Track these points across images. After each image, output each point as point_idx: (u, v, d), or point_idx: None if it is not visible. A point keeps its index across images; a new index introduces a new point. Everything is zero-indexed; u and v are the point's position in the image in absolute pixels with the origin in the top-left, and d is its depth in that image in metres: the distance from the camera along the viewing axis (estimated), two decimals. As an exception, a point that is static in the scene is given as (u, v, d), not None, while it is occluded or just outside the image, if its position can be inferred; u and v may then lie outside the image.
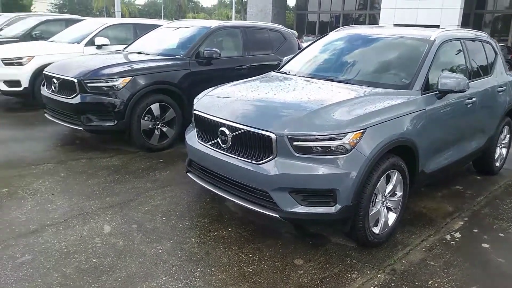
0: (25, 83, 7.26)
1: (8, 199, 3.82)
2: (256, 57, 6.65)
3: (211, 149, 3.33)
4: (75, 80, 5.04)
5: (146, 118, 5.25)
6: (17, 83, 7.27)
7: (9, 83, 7.29)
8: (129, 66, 5.25)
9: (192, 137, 3.66)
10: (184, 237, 3.30)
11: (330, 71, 4.06)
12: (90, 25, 8.59)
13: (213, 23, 6.27)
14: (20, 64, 7.25)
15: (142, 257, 2.98)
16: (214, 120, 3.29)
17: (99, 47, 7.93)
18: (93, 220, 3.50)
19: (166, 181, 4.44)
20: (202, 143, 3.47)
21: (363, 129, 2.91)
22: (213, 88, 3.95)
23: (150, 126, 5.33)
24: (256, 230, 3.47)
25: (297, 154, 2.88)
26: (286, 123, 2.94)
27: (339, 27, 5.07)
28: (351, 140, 2.86)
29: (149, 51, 6.05)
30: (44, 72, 5.67)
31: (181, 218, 3.62)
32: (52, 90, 5.41)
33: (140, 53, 6.01)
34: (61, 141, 5.76)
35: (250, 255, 3.09)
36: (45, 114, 5.80)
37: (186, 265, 2.92)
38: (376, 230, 3.21)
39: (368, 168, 2.91)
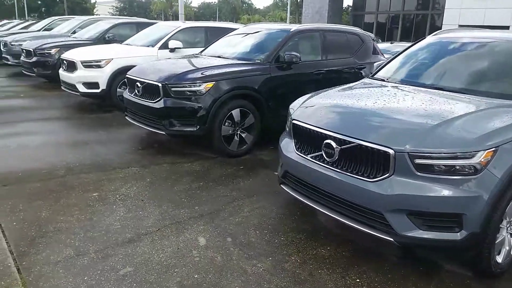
0: (103, 85, 7.45)
1: (100, 204, 3.83)
2: (334, 61, 6.39)
3: (313, 162, 3.13)
4: (160, 85, 5.02)
5: (226, 123, 5.15)
6: (95, 85, 7.47)
7: (88, 85, 7.51)
8: (211, 71, 5.17)
9: (288, 147, 3.47)
10: (283, 254, 3.12)
11: (437, 79, 3.72)
12: (163, 28, 8.70)
13: (292, 27, 6.08)
14: (99, 66, 7.45)
15: (244, 275, 2.83)
16: (318, 132, 3.08)
17: (173, 50, 7.99)
18: (186, 230, 3.41)
19: (251, 190, 4.30)
20: (301, 155, 3.27)
21: (495, 147, 2.59)
22: (309, 96, 3.74)
23: (230, 131, 5.23)
24: (357, 250, 3.22)
25: (418, 173, 2.61)
26: (407, 138, 2.67)
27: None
28: (482, 160, 2.54)
29: (227, 55, 5.96)
30: (127, 75, 5.73)
31: (275, 232, 3.45)
32: (135, 93, 5.44)
33: (219, 57, 5.93)
34: (141, 144, 5.80)
35: (358, 280, 2.85)
36: (126, 117, 5.86)
37: (292, 287, 2.73)
38: (499, 259, 2.86)
39: (500, 191, 2.58)
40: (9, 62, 12.45)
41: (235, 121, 5.23)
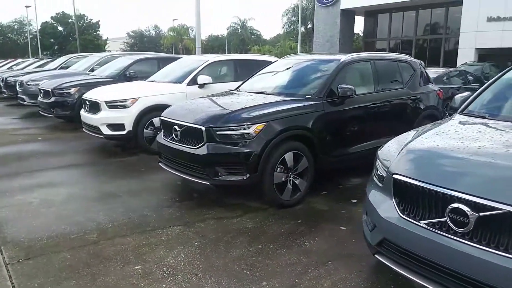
0: (128, 127, 6.86)
1: (146, 282, 3.09)
2: (388, 93, 5.74)
3: (431, 231, 2.39)
4: (203, 128, 4.37)
5: (278, 169, 4.46)
6: (121, 126, 6.88)
7: (112, 126, 6.92)
8: (260, 110, 4.52)
9: (385, 207, 2.74)
10: None
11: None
12: (190, 63, 8.18)
13: (340, 56, 5.45)
14: (124, 106, 6.88)
15: None
16: (439, 192, 2.36)
17: (202, 86, 7.44)
18: (261, 320, 2.65)
19: (322, 254, 3.55)
20: (410, 220, 2.53)
21: None
22: (402, 140, 3.04)
23: (283, 178, 4.53)
24: None
25: None
26: None
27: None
28: None
29: (270, 91, 5.34)
30: (162, 118, 5.11)
31: (374, 319, 2.67)
32: (172, 138, 4.79)
33: (261, 93, 5.30)
34: (177, 194, 5.11)
35: None
36: (160, 163, 5.20)
37: None
38: None
39: None
40: (25, 103, 12.05)
41: (288, 166, 4.54)
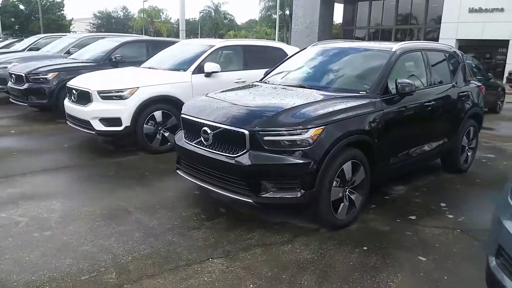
0: (126, 122, 5.81)
1: None
2: (439, 88, 5.00)
3: None
4: (246, 132, 3.45)
5: (335, 183, 3.62)
6: (117, 121, 5.82)
7: (107, 121, 5.85)
8: (314, 110, 3.63)
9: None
10: None
11: None
12: (193, 48, 7.15)
13: (392, 45, 4.62)
14: (121, 98, 5.81)
15: None
16: None
17: (209, 74, 6.46)
18: None
19: (418, 300, 2.76)
20: None
21: None
22: None
23: (340, 194, 3.70)
24: None
25: None
26: None
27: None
28: None
29: (312, 84, 4.45)
30: (184, 116, 4.13)
31: None
32: (200, 141, 3.84)
33: (302, 87, 4.41)
34: (201, 209, 4.16)
35: None
36: (178, 171, 4.26)
37: None
38: None
39: None
40: (-9, 88, 10.57)
41: (346, 178, 3.71)
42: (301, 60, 5.13)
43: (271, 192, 3.47)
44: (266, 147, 3.42)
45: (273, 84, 4.73)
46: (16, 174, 5.03)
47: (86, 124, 5.97)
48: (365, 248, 3.47)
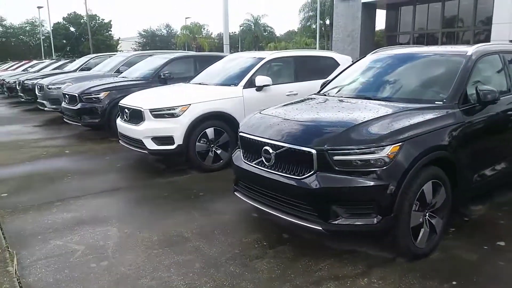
0: (179, 140, 5.65)
1: None
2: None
3: None
4: (313, 151, 3.13)
5: (414, 207, 3.21)
6: (169, 139, 5.68)
7: (159, 140, 5.73)
8: (388, 125, 3.25)
9: None
10: None
11: None
12: (242, 61, 6.95)
13: (466, 49, 4.15)
14: (173, 115, 5.67)
15: None
16: None
17: (260, 88, 6.22)
18: None
19: None
20: None
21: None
22: None
23: (420, 219, 3.29)
24: None
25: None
26: None
27: None
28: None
29: (380, 95, 4.08)
30: (243, 135, 3.85)
31: None
32: (260, 162, 3.55)
33: (368, 99, 4.03)
34: (262, 235, 3.85)
35: None
36: (236, 193, 4.00)
37: None
38: None
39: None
40: (46, 108, 10.94)
41: (427, 201, 3.29)
42: (361, 69, 4.76)
43: (342, 219, 3.11)
44: (336, 168, 3.08)
45: (333, 96, 4.39)
46: (70, 197, 4.97)
47: (138, 143, 5.87)
48: (454, 283, 3.03)
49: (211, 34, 73.17)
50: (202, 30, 64.04)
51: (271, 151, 3.43)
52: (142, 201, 4.83)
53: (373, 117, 3.38)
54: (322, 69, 7.18)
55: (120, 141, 6.50)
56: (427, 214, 3.35)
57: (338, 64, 7.36)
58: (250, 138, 3.70)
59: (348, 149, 3.07)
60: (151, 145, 5.72)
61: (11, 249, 3.61)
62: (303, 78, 6.88)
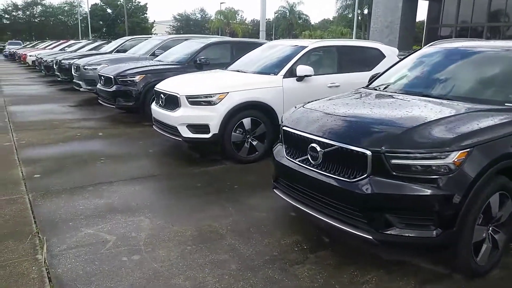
0: (214, 129, 5.43)
1: None
2: None
3: None
4: (368, 153, 2.83)
5: (478, 221, 2.86)
6: (205, 128, 5.47)
7: (194, 128, 5.52)
8: (455, 128, 2.90)
9: None
10: None
11: None
12: (282, 49, 6.63)
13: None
14: (210, 103, 5.44)
15: None
16: None
17: (301, 78, 5.90)
18: None
19: None
20: None
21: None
22: None
23: (484, 234, 2.94)
24: None
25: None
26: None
27: None
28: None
29: (440, 93, 3.69)
30: (287, 129, 3.56)
31: None
32: (306, 160, 3.28)
33: (427, 96, 3.66)
34: (301, 236, 3.59)
35: None
36: (276, 190, 3.74)
37: None
38: None
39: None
40: (81, 89, 10.97)
41: (492, 214, 2.94)
42: (417, 64, 4.37)
43: (396, 229, 2.80)
44: (393, 173, 2.77)
45: (386, 91, 4.03)
46: (103, 182, 4.85)
47: (173, 130, 5.69)
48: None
49: (245, 20, 72.70)
50: (236, 15, 63.66)
51: (318, 149, 3.14)
52: (175, 191, 4.65)
53: (436, 117, 3.03)
54: (366, 60, 6.79)
55: (154, 126, 6.35)
56: (490, 228, 3.00)
57: (384, 56, 6.94)
58: (295, 134, 3.42)
59: (409, 153, 2.75)
60: (186, 133, 5.53)
61: (41, 235, 3.49)
62: (346, 69, 6.52)
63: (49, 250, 3.26)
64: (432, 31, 34.74)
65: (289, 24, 63.12)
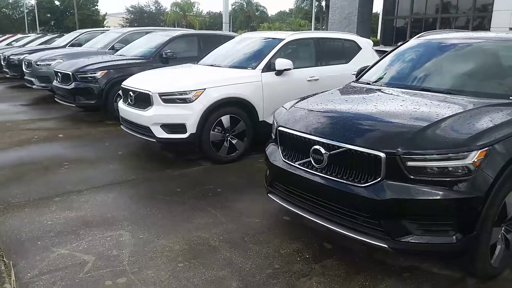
0: (191, 128, 5.05)
1: None
2: None
3: None
4: (382, 155, 2.58)
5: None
6: (181, 127, 5.07)
7: (169, 128, 5.11)
8: (470, 125, 2.72)
9: None
10: None
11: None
12: (258, 42, 6.31)
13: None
14: (185, 101, 5.05)
15: None
16: None
17: (280, 72, 5.62)
18: None
19: None
20: None
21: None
22: None
23: (499, 235, 2.79)
24: None
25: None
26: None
27: None
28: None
29: (436, 87, 3.51)
30: (284, 130, 3.24)
31: None
32: (309, 163, 2.99)
33: (426, 90, 3.47)
34: (302, 244, 3.32)
35: None
36: (271, 195, 3.46)
37: None
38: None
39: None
40: (34, 86, 10.13)
41: (506, 214, 2.80)
42: (408, 56, 4.19)
43: (414, 236, 2.59)
44: (411, 176, 2.54)
45: (381, 86, 3.81)
46: (71, 191, 4.36)
47: (145, 130, 5.25)
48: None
49: (201, 12, 71.35)
50: (193, 7, 62.28)
51: (323, 151, 2.86)
52: (153, 198, 4.25)
53: (448, 114, 2.84)
54: (343, 52, 6.64)
55: (122, 126, 5.86)
56: (503, 228, 2.86)
57: (360, 48, 6.80)
58: (293, 135, 3.12)
59: (427, 154, 2.53)
60: (160, 133, 5.11)
61: (7, 258, 3.01)
62: (323, 62, 6.31)
63: (18, 277, 2.80)
64: (388, 23, 35.55)
65: (246, 17, 62.58)
